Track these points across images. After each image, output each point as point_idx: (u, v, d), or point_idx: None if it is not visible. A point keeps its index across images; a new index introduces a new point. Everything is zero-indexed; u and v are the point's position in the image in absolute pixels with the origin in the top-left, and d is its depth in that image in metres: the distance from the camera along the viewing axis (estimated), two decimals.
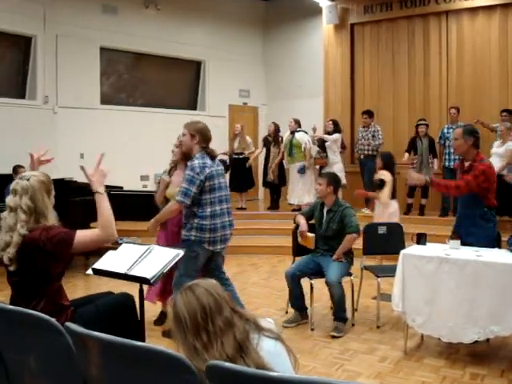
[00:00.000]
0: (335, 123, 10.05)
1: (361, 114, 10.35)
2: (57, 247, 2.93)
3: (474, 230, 4.58)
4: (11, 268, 2.97)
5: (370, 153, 9.84)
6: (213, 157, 4.55)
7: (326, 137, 9.94)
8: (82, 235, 2.99)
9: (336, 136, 9.87)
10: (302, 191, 9.74)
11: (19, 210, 2.97)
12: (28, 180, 3.02)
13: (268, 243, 8.57)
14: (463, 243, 4.51)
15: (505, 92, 9.85)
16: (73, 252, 3.01)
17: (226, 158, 10.17)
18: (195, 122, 4.71)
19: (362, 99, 11.43)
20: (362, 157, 10.05)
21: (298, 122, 9.98)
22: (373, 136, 9.89)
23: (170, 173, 5.24)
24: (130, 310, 3.36)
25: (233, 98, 12.92)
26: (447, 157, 9.21)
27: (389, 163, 6.83)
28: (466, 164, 4.70)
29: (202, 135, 4.47)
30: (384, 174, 6.65)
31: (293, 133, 9.94)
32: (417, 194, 9.49)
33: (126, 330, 3.01)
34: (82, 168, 3.06)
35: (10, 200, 3.03)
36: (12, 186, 3.06)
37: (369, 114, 10.09)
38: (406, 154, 9.35)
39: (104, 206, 3.04)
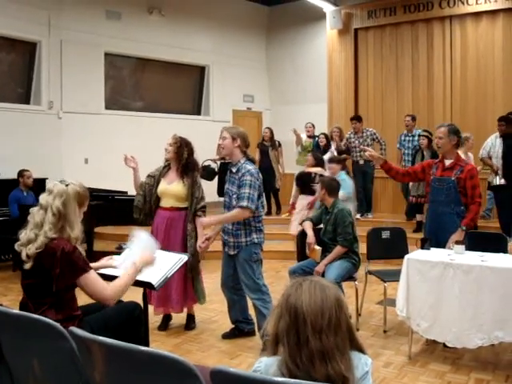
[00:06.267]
0: (327, 137, 9.73)
1: (349, 119, 10.12)
2: (66, 270, 2.92)
3: (450, 227, 4.70)
4: (26, 266, 2.93)
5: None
6: (254, 162, 4.62)
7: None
8: (91, 280, 2.99)
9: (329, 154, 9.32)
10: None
11: (49, 210, 2.98)
12: (66, 186, 3.05)
13: (271, 248, 8.54)
14: (437, 241, 4.66)
15: (509, 97, 9.82)
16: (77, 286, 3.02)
17: (213, 164, 9.90)
18: (235, 126, 4.98)
19: (365, 104, 11.44)
20: (361, 162, 9.76)
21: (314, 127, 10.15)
22: (373, 139, 9.77)
23: (162, 171, 5.26)
24: (137, 320, 3.35)
25: (237, 103, 12.96)
26: (406, 164, 9.05)
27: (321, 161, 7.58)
28: (448, 162, 4.82)
29: (242, 139, 4.50)
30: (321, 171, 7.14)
31: (311, 137, 9.99)
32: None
33: (133, 339, 3.00)
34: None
35: (42, 198, 3.04)
36: (48, 186, 3.09)
37: (358, 119, 9.99)
38: None
39: (129, 276, 3.17)
